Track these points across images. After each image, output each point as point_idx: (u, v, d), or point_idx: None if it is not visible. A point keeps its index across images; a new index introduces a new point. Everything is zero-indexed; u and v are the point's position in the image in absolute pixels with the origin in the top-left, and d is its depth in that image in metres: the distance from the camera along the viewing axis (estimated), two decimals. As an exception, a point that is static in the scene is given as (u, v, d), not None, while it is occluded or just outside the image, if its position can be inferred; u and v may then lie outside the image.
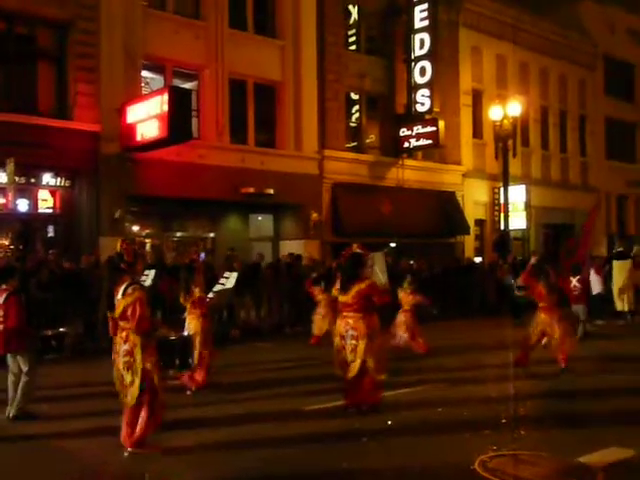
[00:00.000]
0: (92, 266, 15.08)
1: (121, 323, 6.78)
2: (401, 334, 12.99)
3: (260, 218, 21.95)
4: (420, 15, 23.10)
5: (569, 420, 7.95)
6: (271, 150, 20.69)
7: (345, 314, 8.47)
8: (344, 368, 8.37)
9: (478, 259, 25.49)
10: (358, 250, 8.73)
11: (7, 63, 16.34)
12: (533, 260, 11.71)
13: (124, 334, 6.75)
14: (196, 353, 9.58)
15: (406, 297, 13.19)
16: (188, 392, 9.60)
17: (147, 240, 19.03)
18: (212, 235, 20.49)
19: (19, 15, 16.31)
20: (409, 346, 13.04)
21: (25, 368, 8.24)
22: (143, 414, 6.68)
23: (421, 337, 13.08)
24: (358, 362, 8.21)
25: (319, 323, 14.31)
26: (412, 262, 20.10)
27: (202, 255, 18.16)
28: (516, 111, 24.31)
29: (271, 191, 19.86)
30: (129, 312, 6.64)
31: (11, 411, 8.18)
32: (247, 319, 17.21)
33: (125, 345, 6.72)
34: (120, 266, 6.82)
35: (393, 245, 22.23)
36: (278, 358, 13.13)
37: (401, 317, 13.10)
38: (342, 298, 8.52)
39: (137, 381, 6.63)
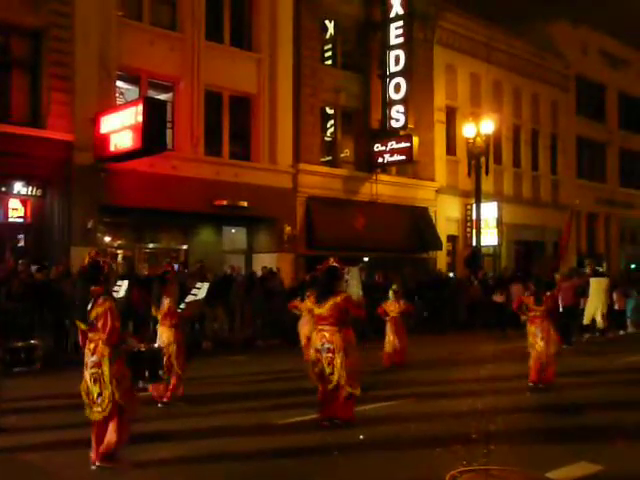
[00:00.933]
0: (62, 276, 14.93)
1: (90, 334, 6.68)
2: (388, 341, 13.28)
3: (233, 231, 21.90)
4: (395, 32, 23.33)
5: (540, 435, 7.99)
6: (245, 163, 20.68)
7: (321, 327, 8.47)
8: (321, 381, 8.36)
9: (450, 274, 25.63)
10: (335, 264, 8.75)
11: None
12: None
13: (92, 345, 6.63)
14: (173, 364, 9.52)
15: (393, 305, 13.39)
16: (159, 405, 9.51)
17: (119, 251, 18.89)
18: (185, 247, 20.41)
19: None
20: (391, 356, 13.22)
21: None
22: (111, 427, 6.56)
23: (404, 349, 13.27)
24: (336, 375, 8.21)
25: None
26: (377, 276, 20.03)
27: (175, 266, 18.07)
28: (489, 129, 24.64)
29: (245, 204, 19.82)
30: (99, 323, 6.54)
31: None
32: (219, 331, 17.14)
33: (93, 357, 6.60)
34: (98, 278, 6.74)
35: (366, 259, 22.30)
36: (250, 371, 13.08)
37: (389, 324, 13.31)
38: (317, 311, 8.55)
39: (106, 393, 6.51)
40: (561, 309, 16.71)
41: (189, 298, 10.44)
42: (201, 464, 6.90)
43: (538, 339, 11.19)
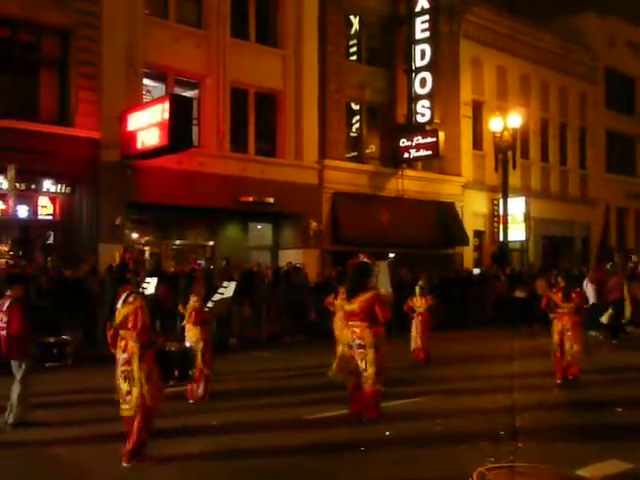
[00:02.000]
0: (90, 273, 15.06)
1: (121, 332, 6.75)
2: (414, 337, 13.29)
3: (260, 227, 21.95)
4: (421, 26, 23.18)
5: (569, 432, 7.92)
6: (271, 159, 20.71)
7: (351, 323, 8.49)
8: (353, 377, 8.38)
9: (477, 270, 25.47)
10: (365, 259, 8.74)
11: (9, 69, 16.37)
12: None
13: (123, 343, 6.71)
14: (198, 361, 9.55)
15: (419, 301, 13.39)
16: (191, 401, 9.56)
17: (146, 248, 19.02)
18: (211, 243, 20.48)
19: (22, 22, 16.30)
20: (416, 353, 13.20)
21: (19, 376, 8.21)
22: (136, 424, 6.62)
23: (427, 345, 13.24)
24: (371, 371, 8.24)
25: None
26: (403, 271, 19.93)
27: (202, 262, 18.13)
28: (516, 123, 24.40)
29: (271, 200, 19.86)
30: (130, 321, 6.62)
31: (9, 418, 8.15)
32: (245, 327, 17.18)
33: (124, 354, 6.68)
34: (126, 276, 6.80)
35: (392, 255, 22.23)
36: (276, 367, 13.12)
37: (416, 320, 13.31)
38: (348, 307, 8.56)
39: (135, 391, 6.58)
40: (593, 302, 16.67)
41: (216, 296, 10.49)
42: (226, 459, 6.94)
43: (565, 337, 11.09)
